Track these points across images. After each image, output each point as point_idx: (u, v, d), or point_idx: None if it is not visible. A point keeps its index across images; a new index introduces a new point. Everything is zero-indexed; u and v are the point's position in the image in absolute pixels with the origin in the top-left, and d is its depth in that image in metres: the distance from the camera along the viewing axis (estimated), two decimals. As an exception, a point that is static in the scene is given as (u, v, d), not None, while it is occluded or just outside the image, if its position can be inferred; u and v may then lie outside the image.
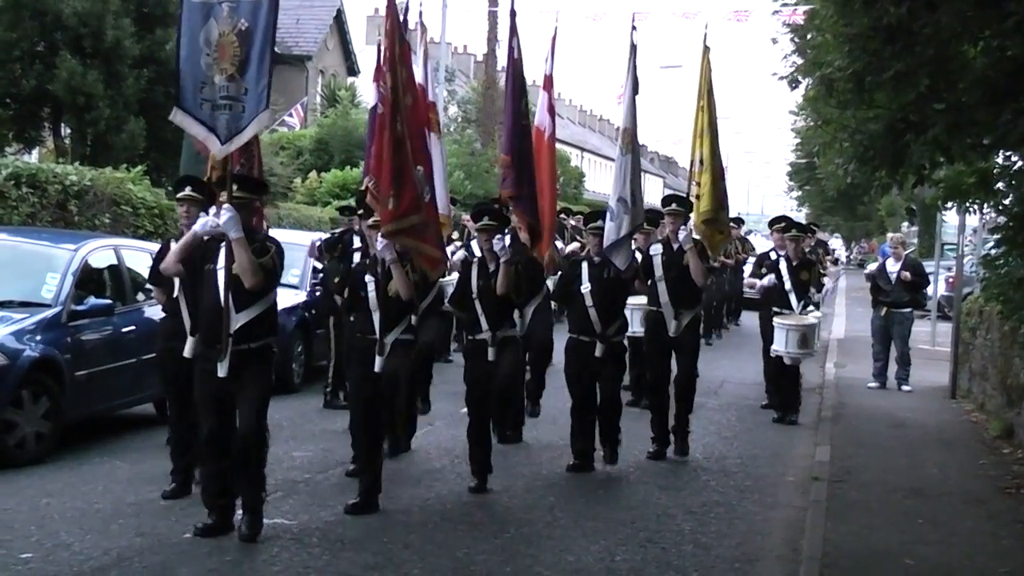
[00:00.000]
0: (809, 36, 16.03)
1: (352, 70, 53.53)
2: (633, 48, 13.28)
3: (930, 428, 16.47)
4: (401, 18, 11.68)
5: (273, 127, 41.56)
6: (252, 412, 9.37)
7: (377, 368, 10.37)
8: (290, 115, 41.32)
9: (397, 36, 10.37)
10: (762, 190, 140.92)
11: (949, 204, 14.25)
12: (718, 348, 24.87)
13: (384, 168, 10.20)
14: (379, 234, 10.38)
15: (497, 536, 10.09)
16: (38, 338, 11.96)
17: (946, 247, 31.74)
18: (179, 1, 9.67)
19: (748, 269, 22.62)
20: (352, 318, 11.14)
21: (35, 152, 27.95)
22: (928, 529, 10.93)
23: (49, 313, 12.26)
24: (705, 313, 24.90)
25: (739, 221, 30.35)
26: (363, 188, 11.58)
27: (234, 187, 9.49)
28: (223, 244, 9.36)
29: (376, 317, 10.48)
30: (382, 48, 10.85)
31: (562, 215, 22.26)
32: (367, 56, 52.16)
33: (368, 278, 10.58)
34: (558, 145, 53.72)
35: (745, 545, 10.30)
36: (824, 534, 10.39)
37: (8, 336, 11.74)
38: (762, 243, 32.07)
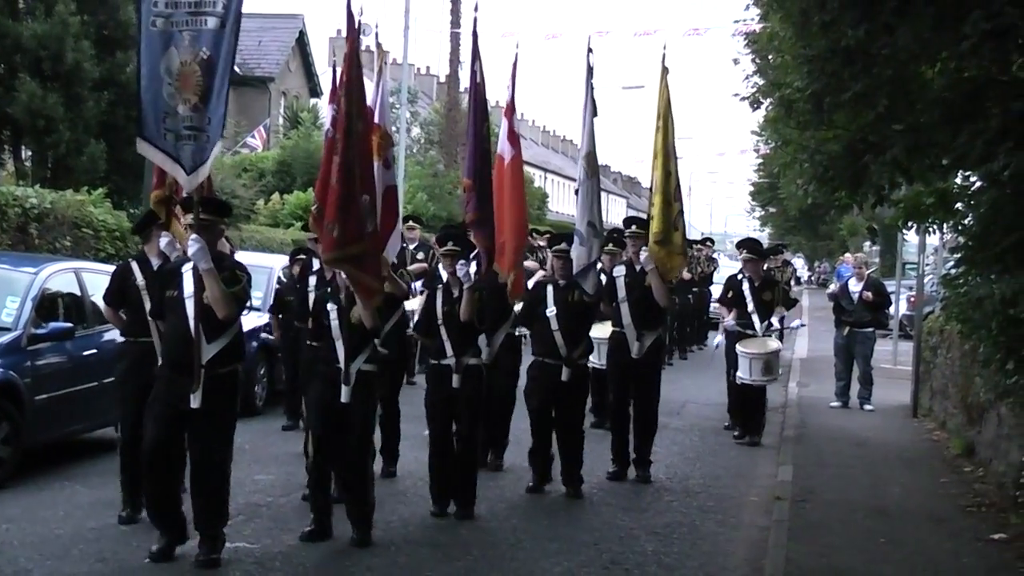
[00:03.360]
0: (770, 57, 16.13)
1: (314, 92, 53.45)
2: (590, 71, 13.27)
3: (892, 447, 16.54)
4: (361, 44, 11.56)
5: (235, 149, 41.48)
6: (218, 442, 9.30)
7: (343, 398, 10.10)
8: (252, 137, 41.24)
9: (355, 61, 10.20)
10: (725, 210, 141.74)
11: (909, 224, 14.32)
12: (681, 369, 24.93)
13: (330, 195, 9.96)
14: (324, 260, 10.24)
15: (460, 559, 10.06)
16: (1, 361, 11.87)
17: (907, 266, 31.95)
18: (137, 29, 9.55)
19: (716, 289, 22.83)
20: (314, 344, 10.90)
21: (-6, 176, 27.78)
22: (890, 548, 10.96)
23: (8, 337, 12.17)
24: (668, 333, 25.08)
25: (709, 241, 30.75)
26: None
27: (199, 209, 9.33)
28: (185, 270, 9.31)
29: (339, 346, 10.23)
30: (338, 71, 10.72)
31: (531, 236, 22.29)
32: (330, 78, 52.17)
33: (330, 306, 10.36)
34: (521, 166, 52.59)
35: (708, 566, 10.31)
36: (787, 554, 10.40)
37: (-30, 360, 11.65)
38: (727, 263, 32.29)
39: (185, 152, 9.25)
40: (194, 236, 9.13)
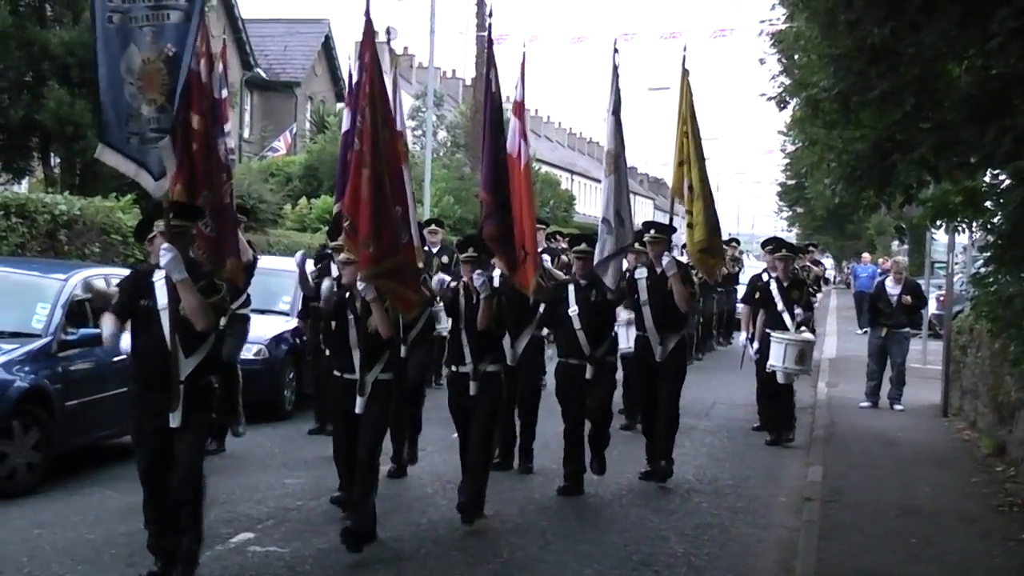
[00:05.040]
0: (796, 57, 16.08)
1: (341, 96, 53.33)
2: (615, 70, 13.27)
3: (922, 447, 16.47)
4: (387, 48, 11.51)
5: (262, 154, 41.62)
6: (190, 457, 8.83)
7: (358, 409, 9.93)
8: (278, 141, 41.42)
9: (376, 69, 9.98)
10: (752, 210, 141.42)
11: (937, 223, 14.26)
12: (709, 369, 24.87)
13: (362, 210, 9.58)
14: (358, 276, 9.90)
15: (490, 561, 10.07)
16: (28, 369, 11.93)
17: (936, 265, 31.82)
18: (91, 26, 8.93)
19: (741, 290, 22.83)
20: (329, 354, 10.80)
21: (24, 182, 27.90)
22: (921, 548, 10.92)
23: (39, 343, 12.23)
24: (695, 330, 25.08)
25: (735, 242, 30.81)
26: (339, 220, 10.94)
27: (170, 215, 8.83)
28: (156, 279, 8.83)
29: (356, 355, 10.04)
30: (362, 80, 10.38)
31: (557, 236, 22.34)
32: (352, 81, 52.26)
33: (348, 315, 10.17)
34: (548, 168, 53.51)
35: (738, 567, 10.30)
36: (817, 554, 10.38)
37: (-2, 367, 11.72)
38: (754, 263, 32.26)
39: (152, 156, 8.65)
40: (165, 245, 8.61)
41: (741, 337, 18.50)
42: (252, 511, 11.05)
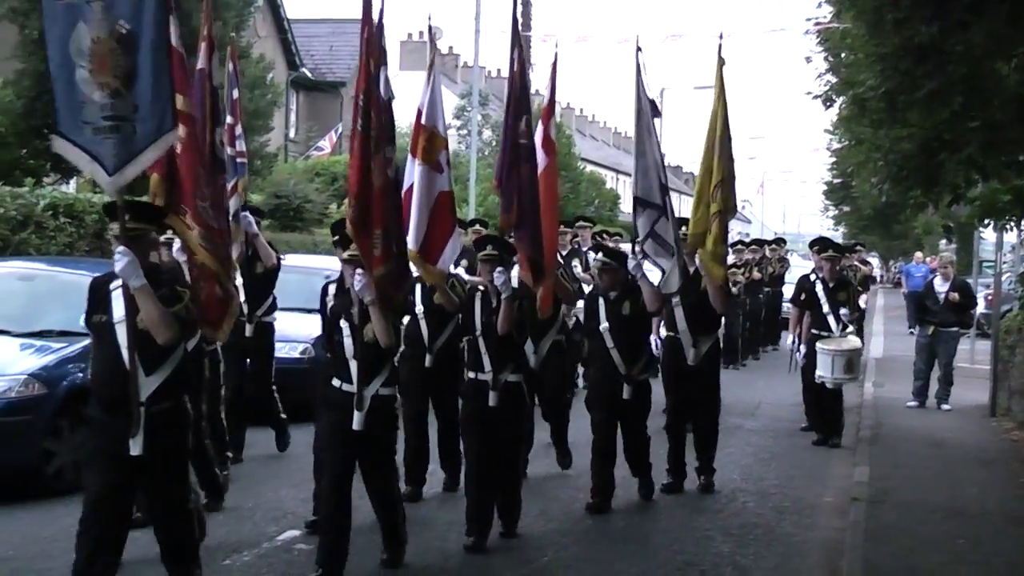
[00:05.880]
0: (843, 55, 16.02)
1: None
2: (639, 71, 12.40)
3: (969, 447, 16.36)
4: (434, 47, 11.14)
5: (307, 153, 41.80)
6: (173, 482, 7.94)
7: (355, 426, 8.96)
8: (322, 140, 41.66)
9: (371, 52, 9.03)
10: (798, 209, 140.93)
11: (986, 222, 14.20)
12: (754, 369, 24.87)
13: (377, 198, 8.81)
14: (357, 272, 9.01)
15: (534, 560, 10.08)
16: (76, 367, 12.01)
17: (984, 264, 31.62)
18: (39, 4, 8.09)
19: (788, 290, 22.78)
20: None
21: (72, 182, 28.11)
22: (968, 549, 10.85)
23: (86, 342, 12.29)
24: (739, 335, 25.02)
25: (781, 241, 30.78)
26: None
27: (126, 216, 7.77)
28: (113, 288, 7.80)
29: (353, 367, 9.11)
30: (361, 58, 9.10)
31: (600, 236, 22.29)
32: (401, 82, 52.35)
33: (343, 323, 9.26)
34: (593, 168, 53.24)
35: (784, 567, 10.27)
36: (863, 555, 10.32)
37: (46, 365, 11.82)
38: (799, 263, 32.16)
39: (105, 148, 7.57)
40: (121, 249, 7.57)
41: (788, 339, 18.42)
42: (299, 509, 11.06)
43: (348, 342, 9.16)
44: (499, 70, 71.54)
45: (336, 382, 9.23)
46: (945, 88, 10.44)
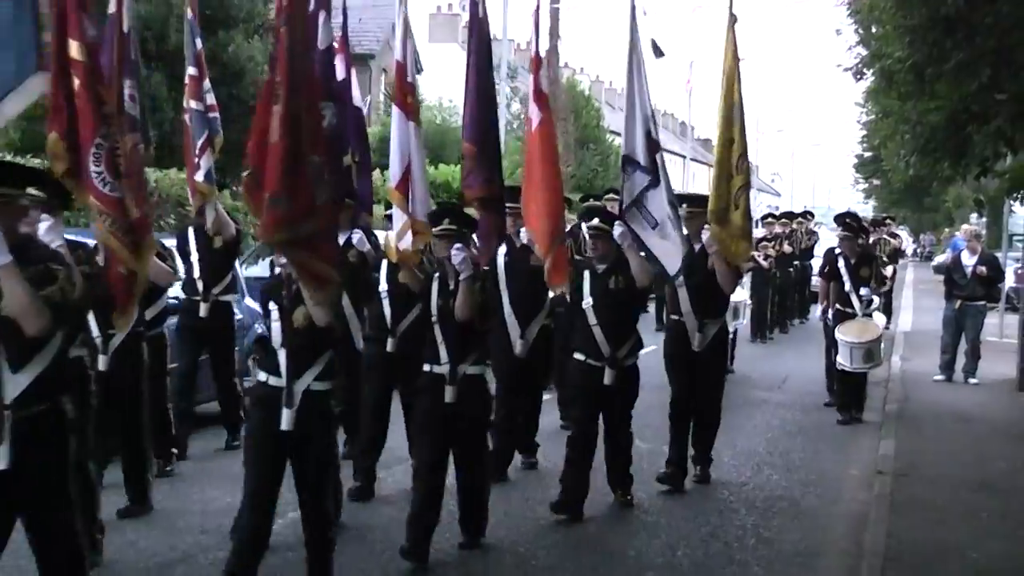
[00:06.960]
0: (872, 28, 15.96)
1: (416, 68, 53.67)
2: (633, 11, 11.23)
3: (997, 421, 16.31)
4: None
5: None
6: (52, 501, 6.27)
7: (284, 425, 7.67)
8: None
9: None
10: (828, 182, 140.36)
11: (1015, 195, 14.13)
12: (782, 342, 24.85)
13: (271, 157, 7.38)
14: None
15: (558, 530, 10.12)
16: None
17: (1015, 238, 31.45)
18: None
19: (816, 263, 22.77)
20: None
21: (102, 155, 28.27)
22: (995, 523, 10.84)
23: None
24: (769, 307, 25.05)
25: (809, 214, 30.75)
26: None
27: None
28: None
29: (281, 356, 7.81)
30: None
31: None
32: (430, 54, 52.49)
33: (272, 305, 7.92)
34: (614, 139, 52.72)
35: (808, 540, 10.28)
36: (888, 529, 10.32)
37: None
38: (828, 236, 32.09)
39: None
40: None
41: (817, 311, 18.37)
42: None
43: (276, 327, 7.85)
44: (528, 42, 71.49)
45: (263, 376, 8.01)
46: (973, 60, 10.40)
